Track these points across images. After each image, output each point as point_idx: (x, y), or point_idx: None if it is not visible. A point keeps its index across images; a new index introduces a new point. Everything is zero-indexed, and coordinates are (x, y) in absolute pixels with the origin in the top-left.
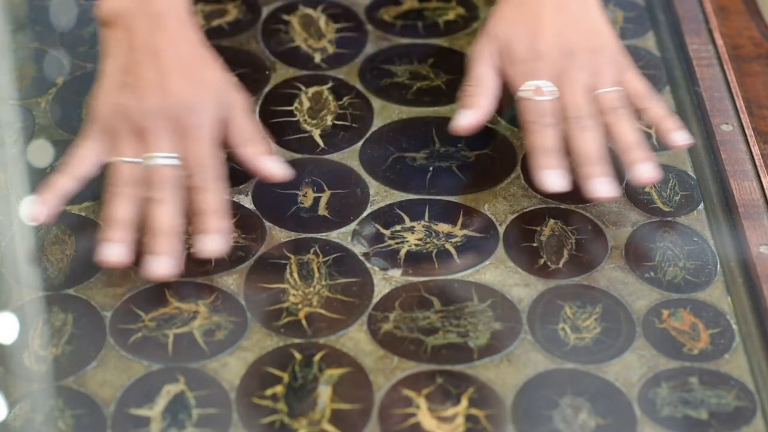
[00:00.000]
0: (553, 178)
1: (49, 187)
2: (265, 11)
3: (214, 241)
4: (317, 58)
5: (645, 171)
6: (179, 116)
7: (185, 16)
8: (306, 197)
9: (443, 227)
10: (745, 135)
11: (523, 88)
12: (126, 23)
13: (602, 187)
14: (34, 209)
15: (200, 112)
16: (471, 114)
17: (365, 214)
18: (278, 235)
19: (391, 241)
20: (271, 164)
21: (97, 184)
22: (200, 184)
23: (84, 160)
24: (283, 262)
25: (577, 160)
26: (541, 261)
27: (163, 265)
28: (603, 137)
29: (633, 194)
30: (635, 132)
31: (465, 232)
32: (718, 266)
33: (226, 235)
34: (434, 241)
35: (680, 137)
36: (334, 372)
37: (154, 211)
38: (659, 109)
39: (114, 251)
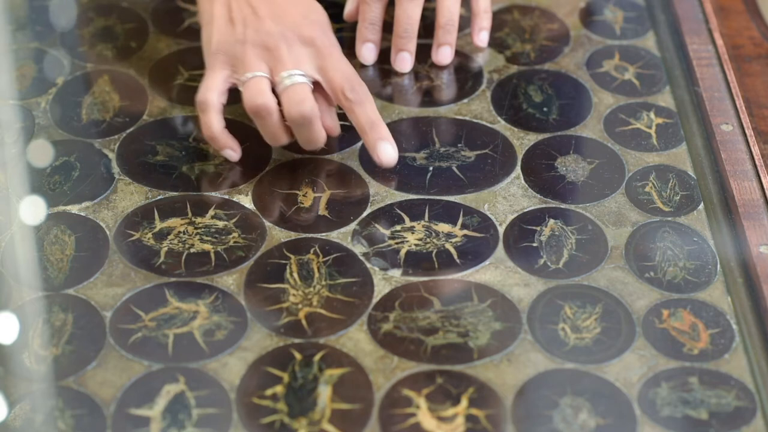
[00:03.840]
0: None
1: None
2: None
3: (391, 148)
4: None
5: (442, 54)
6: (307, 36)
7: None
8: (306, 197)
9: (443, 227)
10: (745, 135)
11: None
12: None
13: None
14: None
15: (324, 33)
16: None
17: (365, 214)
18: (278, 235)
19: (391, 241)
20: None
21: (97, 184)
22: (357, 98)
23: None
24: (283, 262)
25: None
26: (541, 261)
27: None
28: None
29: (633, 194)
30: (453, 13)
31: (465, 232)
32: (718, 266)
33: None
34: (434, 241)
35: (483, 38)
36: (334, 372)
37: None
38: (484, 2)
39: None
